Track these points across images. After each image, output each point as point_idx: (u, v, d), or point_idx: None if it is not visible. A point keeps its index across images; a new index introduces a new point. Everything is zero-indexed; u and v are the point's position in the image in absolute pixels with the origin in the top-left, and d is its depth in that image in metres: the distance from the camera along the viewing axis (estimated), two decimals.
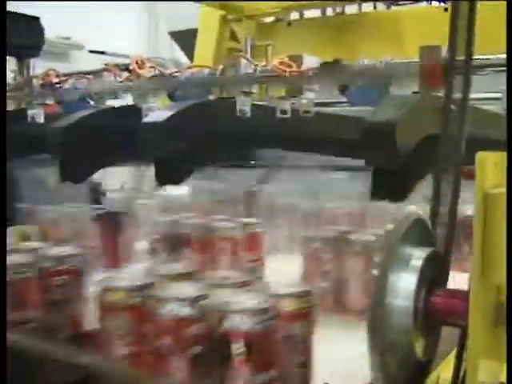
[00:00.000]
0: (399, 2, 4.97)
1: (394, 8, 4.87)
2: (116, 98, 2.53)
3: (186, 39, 4.36)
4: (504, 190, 1.07)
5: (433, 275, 1.23)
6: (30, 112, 2.62)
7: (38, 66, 3.17)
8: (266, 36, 4.16)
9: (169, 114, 1.89)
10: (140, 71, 2.33)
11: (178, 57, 5.44)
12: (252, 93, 2.21)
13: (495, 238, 1.07)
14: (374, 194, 1.54)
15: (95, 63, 4.58)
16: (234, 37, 4.13)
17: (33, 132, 2.42)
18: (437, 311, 1.18)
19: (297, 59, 2.06)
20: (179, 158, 1.92)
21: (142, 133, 1.90)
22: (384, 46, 3.99)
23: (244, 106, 2.15)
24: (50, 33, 6.94)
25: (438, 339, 1.31)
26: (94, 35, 6.57)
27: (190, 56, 4.28)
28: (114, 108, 2.38)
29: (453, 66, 1.41)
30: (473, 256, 1.08)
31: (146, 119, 1.95)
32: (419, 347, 1.21)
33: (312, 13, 4.34)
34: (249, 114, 2.13)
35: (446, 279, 1.31)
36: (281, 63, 2.05)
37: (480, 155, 1.07)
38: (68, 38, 7.06)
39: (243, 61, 2.18)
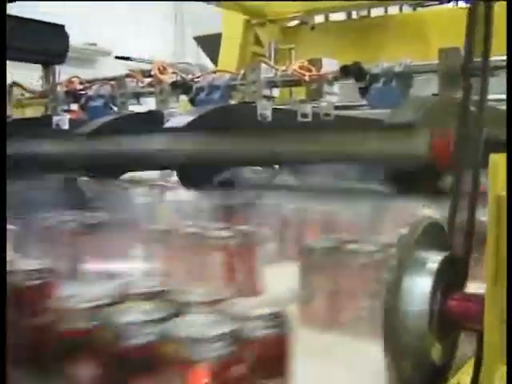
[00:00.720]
0: (425, 4, 4.95)
1: (419, 10, 4.85)
2: (139, 103, 2.56)
3: (210, 44, 4.39)
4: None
5: (449, 279, 1.22)
6: (54, 118, 2.66)
7: (65, 73, 3.21)
8: (290, 40, 4.17)
9: (189, 119, 1.90)
10: (162, 77, 2.35)
11: (204, 61, 5.47)
12: (273, 97, 2.22)
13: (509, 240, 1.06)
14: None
15: (121, 69, 4.63)
16: (257, 41, 4.14)
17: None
18: (452, 315, 1.17)
19: (316, 63, 2.06)
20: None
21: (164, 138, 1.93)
22: (409, 47, 3.96)
23: (265, 110, 2.16)
24: (78, 39, 7.07)
25: (456, 344, 1.30)
26: (121, 41, 6.64)
27: (215, 61, 4.31)
28: (136, 113, 2.40)
29: (469, 68, 1.40)
30: (487, 259, 1.07)
31: (166, 124, 1.97)
32: (435, 351, 1.20)
33: (335, 16, 4.34)
34: (270, 118, 2.14)
35: (465, 283, 1.30)
36: (301, 67, 2.06)
37: (493, 157, 1.06)
38: (95, 45, 7.15)
39: (263, 65, 2.19)
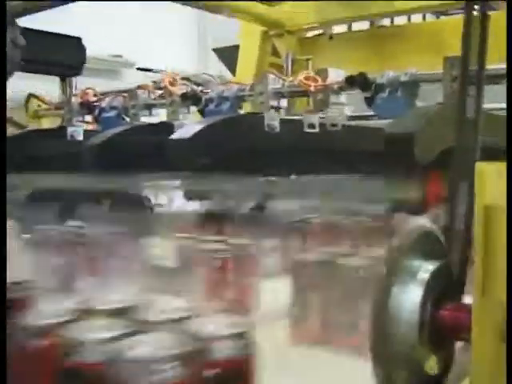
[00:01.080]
0: (449, 12, 4.92)
1: (442, 18, 4.83)
2: (151, 114, 2.59)
3: (229, 55, 4.42)
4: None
5: (442, 288, 1.21)
6: (69, 129, 2.70)
7: (89, 84, 3.26)
8: (308, 50, 4.17)
9: (196, 129, 1.92)
10: (172, 88, 2.37)
11: (226, 73, 5.50)
12: (281, 108, 2.23)
13: (497, 252, 1.05)
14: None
15: (145, 80, 4.67)
16: (275, 52, 4.15)
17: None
18: (444, 325, 1.16)
19: (322, 73, 2.07)
20: (206, 173, 1.94)
21: (170, 149, 1.94)
22: (428, 56, 3.94)
23: (272, 120, 2.17)
24: (103, 51, 7.16)
25: (451, 355, 1.28)
26: (145, 52, 6.70)
27: (234, 72, 4.33)
28: (146, 125, 2.43)
29: (466, 76, 1.39)
30: (475, 270, 1.06)
31: (173, 135, 1.98)
32: (429, 363, 1.18)
33: (354, 26, 4.34)
34: (277, 129, 2.14)
35: (461, 293, 1.28)
36: (307, 78, 2.06)
37: (479, 166, 1.05)
38: (119, 56, 7.23)
39: (271, 76, 2.20)
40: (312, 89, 2.04)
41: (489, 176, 1.06)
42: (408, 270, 1.18)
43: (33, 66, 3.12)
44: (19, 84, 3.05)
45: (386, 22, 4.49)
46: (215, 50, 4.81)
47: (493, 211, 1.05)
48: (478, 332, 1.06)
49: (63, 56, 3.21)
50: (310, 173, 2.05)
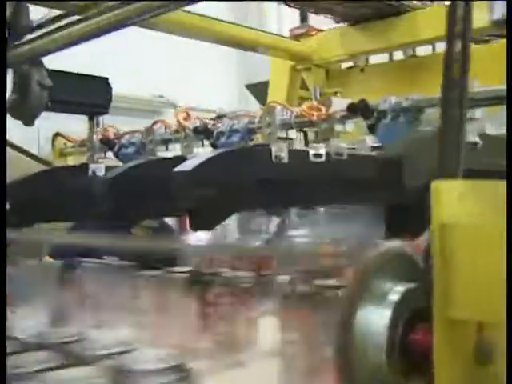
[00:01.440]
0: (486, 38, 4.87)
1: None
2: (167, 149, 2.63)
3: (260, 91, 4.46)
4: (466, 219, 1.02)
5: (415, 310, 1.18)
6: (91, 166, 2.77)
7: (133, 122, 3.34)
8: (337, 83, 4.18)
9: (197, 162, 1.94)
10: (184, 123, 2.41)
11: None
12: (290, 139, 2.24)
13: (458, 271, 1.02)
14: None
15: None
16: (304, 85, 4.19)
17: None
18: (413, 348, 1.13)
19: (326, 102, 2.07)
20: (208, 206, 1.96)
21: (172, 181, 1.96)
22: None
23: (280, 151, 2.17)
24: (146, 90, 7.34)
25: (428, 378, 1.24)
26: (187, 92, 6.83)
27: None
28: (159, 159, 2.46)
29: (449, 99, 1.38)
30: (434, 290, 1.04)
31: (176, 168, 2.01)
32: None
33: (382, 57, 4.33)
34: (285, 160, 2.15)
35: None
36: (310, 107, 2.07)
37: (435, 184, 1.03)
38: (162, 97, 7.40)
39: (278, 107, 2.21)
40: (315, 118, 2.05)
41: (445, 194, 1.04)
42: (376, 292, 1.17)
43: (61, 106, 3.24)
44: (46, 123, 3.16)
45: (421, 51, 4.47)
46: (248, 86, 4.88)
47: (450, 229, 1.03)
48: (440, 355, 1.04)
49: (90, 96, 3.31)
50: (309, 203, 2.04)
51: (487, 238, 1.00)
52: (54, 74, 3.00)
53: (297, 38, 4.14)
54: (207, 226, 2.03)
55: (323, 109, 2.06)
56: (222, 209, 2.02)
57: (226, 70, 7.96)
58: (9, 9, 2.69)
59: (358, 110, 1.99)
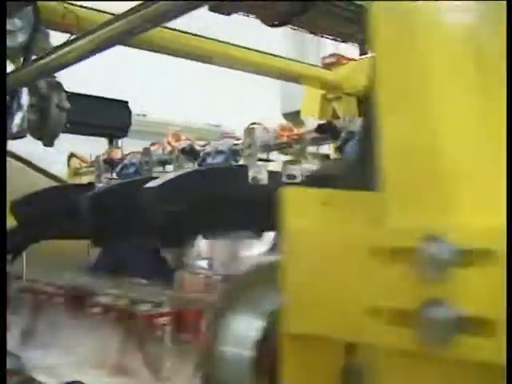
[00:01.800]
0: None
1: None
2: (164, 170, 2.67)
3: (296, 119, 4.47)
4: (311, 229, 0.99)
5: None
6: (98, 186, 2.84)
7: None
8: None
9: (162, 181, 1.97)
10: (174, 144, 2.45)
11: None
12: (270, 160, 2.23)
13: (307, 281, 0.98)
14: None
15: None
16: (335, 114, 4.15)
17: None
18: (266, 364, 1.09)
19: (299, 123, 2.05)
20: (175, 222, 1.97)
21: (142, 197, 2.00)
22: None
23: (258, 173, 2.17)
24: (201, 119, 7.48)
25: None
26: (238, 119, 6.93)
27: None
28: (146, 178, 2.50)
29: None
30: (283, 301, 1.00)
31: (146, 185, 2.04)
32: None
33: None
34: (264, 181, 2.14)
35: None
36: (282, 129, 2.06)
37: (282, 191, 1.00)
38: (218, 126, 7.49)
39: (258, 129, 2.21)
40: (285, 139, 2.03)
41: (293, 201, 1.02)
42: (245, 305, 1.14)
43: (83, 129, 3.35)
44: (63, 144, 3.27)
45: None
46: (284, 115, 4.89)
47: (297, 237, 1.00)
48: (288, 373, 1.00)
49: (111, 119, 3.42)
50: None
51: (328, 248, 0.96)
52: (75, 96, 3.12)
53: (328, 66, 4.13)
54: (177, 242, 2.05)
55: (295, 130, 2.05)
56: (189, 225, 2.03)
57: (271, 99, 8.02)
58: (27, 33, 2.81)
59: (327, 130, 1.96)
